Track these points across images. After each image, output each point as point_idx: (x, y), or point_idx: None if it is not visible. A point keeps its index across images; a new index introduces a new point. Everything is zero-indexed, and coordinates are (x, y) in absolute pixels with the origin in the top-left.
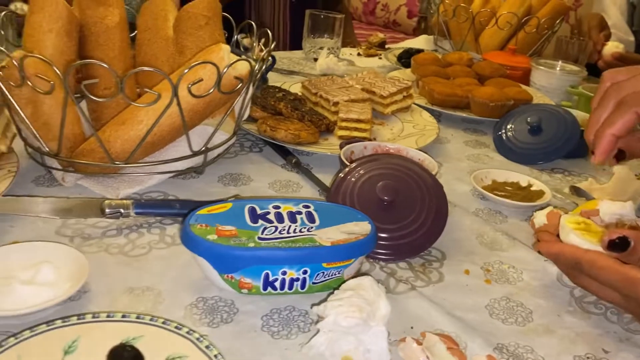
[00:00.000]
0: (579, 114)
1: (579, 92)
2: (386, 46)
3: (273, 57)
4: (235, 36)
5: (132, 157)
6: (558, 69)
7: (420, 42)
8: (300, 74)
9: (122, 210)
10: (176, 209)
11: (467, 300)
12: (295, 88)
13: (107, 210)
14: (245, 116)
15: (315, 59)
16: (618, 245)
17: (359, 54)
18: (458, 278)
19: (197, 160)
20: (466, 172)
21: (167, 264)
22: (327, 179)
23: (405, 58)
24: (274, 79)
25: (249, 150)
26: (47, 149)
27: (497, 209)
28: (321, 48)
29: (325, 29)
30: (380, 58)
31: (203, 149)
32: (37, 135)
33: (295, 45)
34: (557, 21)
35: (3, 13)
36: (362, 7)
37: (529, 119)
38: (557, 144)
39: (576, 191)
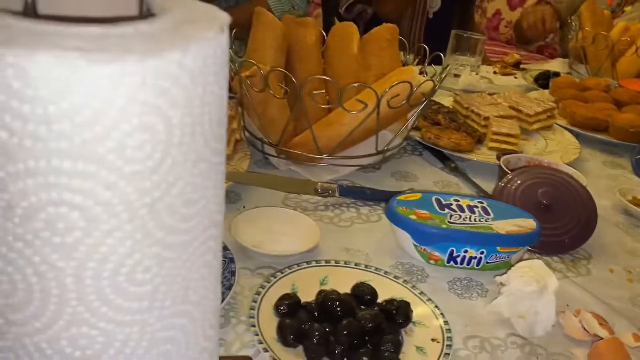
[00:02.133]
0: None
1: None
2: (521, 66)
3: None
4: (405, 57)
5: (334, 151)
6: None
7: (555, 65)
8: (443, 88)
9: (330, 191)
10: (368, 194)
11: (613, 291)
12: (444, 100)
13: (319, 190)
14: (415, 124)
15: (456, 75)
16: None
17: (495, 72)
18: (604, 274)
19: (377, 158)
20: (605, 189)
21: (367, 234)
22: (481, 183)
23: (542, 80)
24: None
25: (411, 153)
26: (269, 140)
27: (637, 224)
28: (462, 65)
29: (467, 48)
30: (515, 77)
31: (385, 149)
32: (264, 128)
33: (432, 60)
34: None
35: (234, 31)
36: (486, 23)
37: None
38: None
39: None
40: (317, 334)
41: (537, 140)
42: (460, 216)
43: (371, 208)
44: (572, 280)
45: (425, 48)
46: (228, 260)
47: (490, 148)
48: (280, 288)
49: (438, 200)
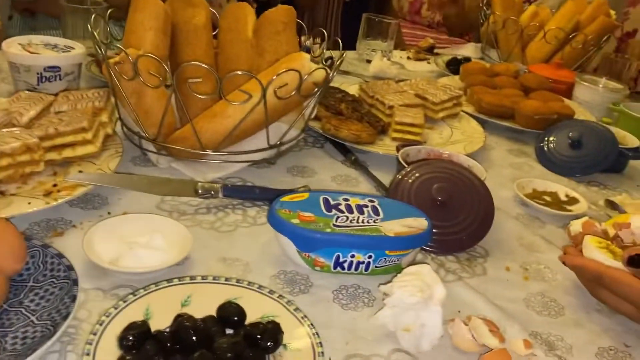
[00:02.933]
0: (619, 132)
1: (620, 110)
2: (435, 51)
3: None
4: (306, 42)
5: (219, 146)
6: (601, 85)
7: (468, 50)
8: (353, 74)
9: (212, 192)
10: (256, 194)
11: (507, 292)
12: (350, 89)
13: (200, 191)
14: (312, 115)
15: (368, 61)
16: (637, 262)
17: (408, 58)
18: (499, 273)
19: (271, 152)
20: (509, 179)
21: (251, 240)
22: (381, 176)
23: (454, 65)
24: None
25: (312, 146)
26: (146, 134)
27: (536, 215)
28: (374, 50)
29: (379, 33)
30: (429, 63)
31: (278, 143)
32: (139, 122)
33: (347, 45)
34: (604, 38)
35: (110, 10)
36: (408, 6)
37: (570, 133)
38: (596, 159)
39: (611, 204)
40: None
41: (443, 129)
42: (347, 218)
43: (260, 209)
44: (466, 282)
45: (324, 32)
46: (71, 283)
47: (394, 139)
48: (131, 314)
49: (326, 201)
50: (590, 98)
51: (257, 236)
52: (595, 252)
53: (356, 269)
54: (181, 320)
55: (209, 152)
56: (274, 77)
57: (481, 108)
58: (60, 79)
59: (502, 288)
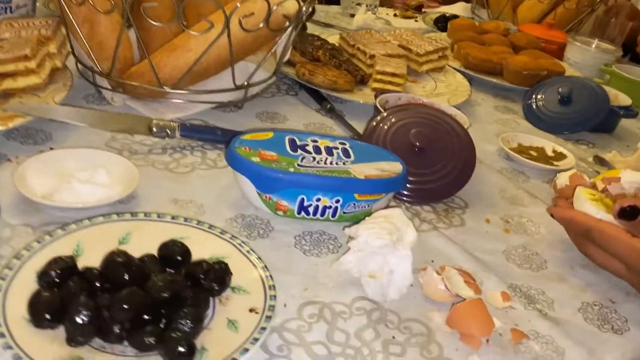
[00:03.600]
0: (611, 91)
1: (612, 71)
2: (423, 10)
3: (313, 7)
4: None
5: (180, 83)
6: (594, 46)
7: (457, 8)
8: (336, 28)
9: (168, 131)
10: (218, 135)
11: (486, 244)
12: (333, 40)
13: (154, 129)
14: (286, 58)
15: (352, 15)
16: (628, 214)
17: (395, 15)
18: (479, 225)
19: (238, 94)
20: (493, 134)
21: (208, 182)
22: (359, 127)
23: (442, 22)
24: (311, 29)
25: (285, 93)
26: (100, 69)
27: (520, 170)
28: (359, 4)
29: None
30: (416, 21)
31: (245, 83)
32: (91, 54)
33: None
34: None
35: None
36: None
37: (560, 89)
38: (585, 115)
39: (600, 161)
40: (81, 309)
41: (427, 82)
42: (314, 158)
43: (221, 152)
44: (441, 232)
45: None
46: None
47: (374, 89)
48: (58, 250)
49: (292, 141)
50: (582, 59)
51: (216, 179)
52: (586, 204)
53: (322, 214)
54: (112, 255)
55: (167, 89)
56: (238, 4)
57: (468, 63)
58: (11, 12)
59: (480, 240)
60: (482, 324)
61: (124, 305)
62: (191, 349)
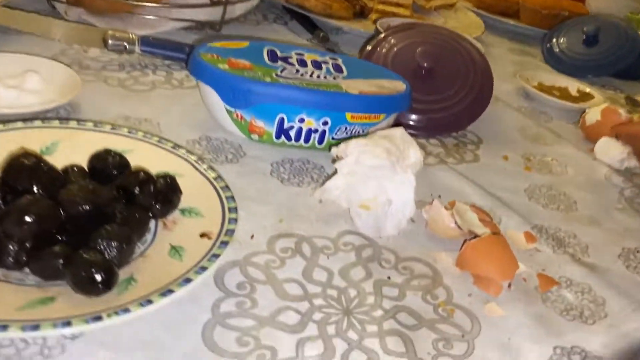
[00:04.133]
0: None
1: (639, 19)
2: None
3: None
4: None
5: None
6: None
7: None
8: None
9: (126, 45)
10: (185, 52)
11: (505, 181)
12: None
13: (110, 42)
14: None
15: None
16: None
17: None
18: (495, 161)
19: (216, 13)
20: (510, 74)
21: (170, 102)
22: None
23: None
24: None
25: (273, 22)
26: None
27: (542, 110)
28: None
29: None
30: None
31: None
32: None
33: None
34: None
35: None
36: None
37: (585, 28)
38: (613, 57)
39: (632, 102)
40: None
41: (436, 20)
42: (297, 71)
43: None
44: (451, 167)
45: None
46: None
47: (375, 21)
48: None
49: (272, 52)
50: (607, 5)
51: (180, 99)
52: None
53: (307, 140)
54: (17, 158)
55: (131, 1)
56: None
57: (481, 2)
58: None
59: (498, 177)
60: (503, 265)
61: (24, 217)
62: (109, 277)
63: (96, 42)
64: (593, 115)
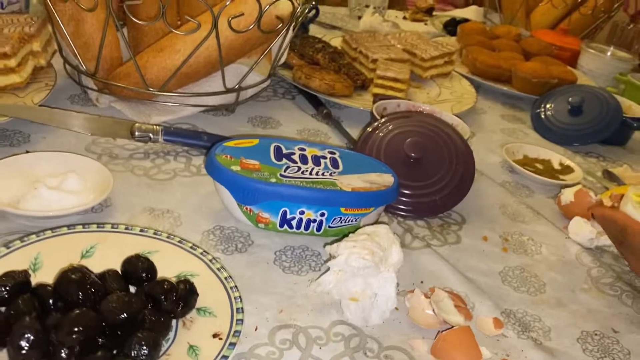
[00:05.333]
0: (624, 101)
1: (627, 80)
2: (433, 13)
3: (317, 9)
4: None
5: (167, 85)
6: (609, 54)
7: (469, 12)
8: (342, 30)
9: (151, 135)
10: (203, 140)
11: (482, 264)
12: (336, 42)
13: (136, 133)
14: (282, 61)
15: (360, 17)
16: None
17: (404, 18)
18: (475, 243)
19: (230, 98)
20: (498, 145)
21: (189, 191)
22: (356, 134)
23: (452, 26)
24: (315, 31)
25: (282, 97)
26: (85, 68)
27: (524, 183)
28: (367, 6)
29: None
30: (425, 24)
31: (236, 87)
32: (77, 53)
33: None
34: (616, 5)
35: None
36: None
37: (570, 98)
38: (597, 127)
39: (609, 175)
40: (25, 331)
41: (431, 89)
42: (299, 168)
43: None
44: (434, 250)
45: None
46: None
47: (374, 95)
48: (15, 263)
49: (277, 149)
50: (596, 67)
51: (197, 187)
52: (629, 205)
53: (306, 228)
54: (66, 273)
55: (154, 91)
56: (227, 3)
57: (475, 69)
58: (2, 7)
59: (476, 259)
60: (469, 355)
61: (74, 328)
62: None
63: (124, 133)
64: (567, 196)
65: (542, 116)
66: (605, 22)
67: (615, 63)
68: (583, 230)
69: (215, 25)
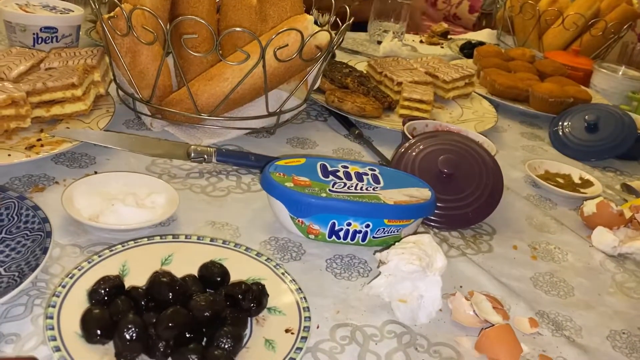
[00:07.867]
0: (638, 118)
1: (639, 98)
2: (449, 36)
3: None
4: (312, 9)
5: (216, 110)
6: (620, 73)
7: (483, 35)
8: (363, 54)
9: (205, 156)
10: (252, 160)
11: (514, 270)
12: (360, 67)
13: (192, 155)
14: (316, 86)
15: (379, 42)
16: None
17: (421, 42)
18: (506, 251)
19: (271, 120)
20: (520, 161)
21: (243, 206)
22: (386, 152)
23: (468, 49)
24: (339, 56)
25: (315, 119)
26: (140, 96)
27: (547, 197)
28: (385, 31)
29: (391, 14)
30: (442, 47)
31: (278, 110)
32: (133, 82)
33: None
34: (625, 26)
35: None
36: None
37: (586, 116)
38: (613, 143)
39: (627, 188)
40: (130, 326)
41: (453, 109)
42: (345, 184)
43: (255, 177)
44: (469, 258)
45: (332, 2)
46: (44, 235)
47: (401, 115)
48: (106, 270)
49: (323, 167)
50: (609, 86)
51: (250, 202)
52: None
53: (352, 238)
54: (157, 276)
55: (204, 116)
56: (274, 36)
57: (494, 90)
58: (57, 41)
59: (508, 266)
60: (511, 349)
61: (169, 324)
62: None
63: (180, 155)
64: (589, 207)
65: (560, 133)
66: (616, 43)
67: (627, 81)
68: (606, 239)
69: (262, 56)
